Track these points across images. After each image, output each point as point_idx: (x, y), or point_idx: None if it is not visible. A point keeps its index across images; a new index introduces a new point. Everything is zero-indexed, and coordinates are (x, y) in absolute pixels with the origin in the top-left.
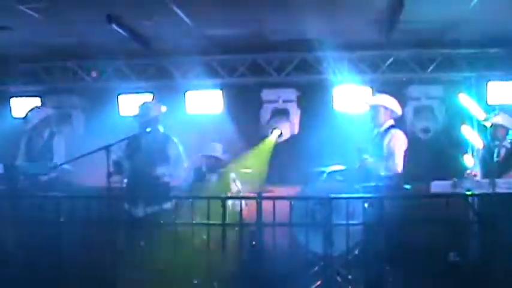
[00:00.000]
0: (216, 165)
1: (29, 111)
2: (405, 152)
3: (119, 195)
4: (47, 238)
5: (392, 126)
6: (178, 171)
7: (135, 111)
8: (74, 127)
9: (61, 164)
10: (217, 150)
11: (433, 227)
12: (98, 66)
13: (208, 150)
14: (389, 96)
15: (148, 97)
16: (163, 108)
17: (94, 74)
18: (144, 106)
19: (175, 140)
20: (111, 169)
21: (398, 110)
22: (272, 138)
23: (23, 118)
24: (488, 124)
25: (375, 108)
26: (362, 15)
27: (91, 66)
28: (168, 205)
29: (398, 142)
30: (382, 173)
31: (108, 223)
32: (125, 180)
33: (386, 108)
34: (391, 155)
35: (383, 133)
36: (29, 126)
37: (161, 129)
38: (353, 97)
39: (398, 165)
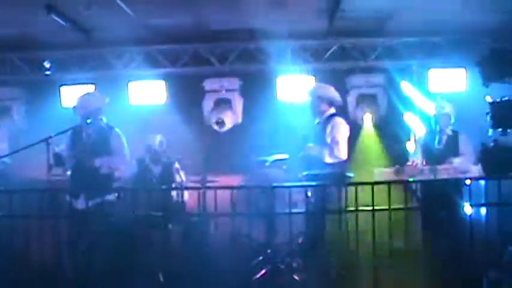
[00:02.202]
0: (157, 156)
1: None
2: (348, 140)
3: (59, 187)
4: None
5: (333, 115)
6: (117, 163)
7: (75, 102)
8: (14, 120)
9: (1, 157)
10: (154, 141)
11: (376, 214)
12: (39, 58)
13: (148, 141)
14: (328, 85)
15: (90, 88)
16: (106, 99)
17: (47, 65)
18: (83, 98)
19: (117, 131)
20: (51, 161)
21: (337, 99)
22: (217, 127)
23: None
24: (430, 112)
25: (313, 97)
26: (304, 5)
27: (32, 58)
28: (110, 197)
29: (340, 129)
30: (327, 161)
31: (49, 216)
32: (68, 173)
33: (324, 97)
34: (334, 142)
35: (324, 121)
36: None
37: (104, 120)
38: (296, 86)
39: (342, 152)
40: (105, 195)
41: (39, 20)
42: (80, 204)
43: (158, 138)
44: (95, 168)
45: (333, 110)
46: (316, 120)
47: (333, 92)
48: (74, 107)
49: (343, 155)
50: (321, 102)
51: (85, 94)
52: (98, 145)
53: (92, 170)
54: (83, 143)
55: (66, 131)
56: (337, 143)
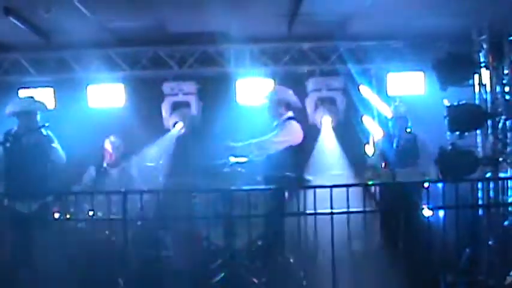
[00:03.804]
0: (113, 160)
1: None
2: (301, 144)
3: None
4: None
5: (290, 118)
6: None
7: (14, 106)
8: None
9: None
10: (108, 144)
11: (336, 217)
12: None
13: (105, 144)
14: (287, 89)
15: (49, 91)
16: (45, 104)
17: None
18: (24, 100)
19: (51, 135)
20: None
21: (294, 102)
22: (175, 131)
23: None
24: (389, 115)
25: (271, 100)
26: (264, 8)
27: None
28: (49, 199)
29: (289, 130)
30: (253, 156)
31: None
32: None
33: (282, 100)
34: (272, 136)
35: (280, 124)
36: None
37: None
38: (255, 90)
39: (271, 146)
40: (47, 197)
41: None
42: (22, 207)
43: (111, 139)
44: (33, 172)
45: (290, 113)
46: (275, 123)
47: (290, 95)
48: (13, 111)
49: (270, 150)
50: (278, 105)
51: (24, 97)
52: (36, 149)
53: (31, 174)
54: (21, 147)
55: (3, 135)
56: (276, 135)
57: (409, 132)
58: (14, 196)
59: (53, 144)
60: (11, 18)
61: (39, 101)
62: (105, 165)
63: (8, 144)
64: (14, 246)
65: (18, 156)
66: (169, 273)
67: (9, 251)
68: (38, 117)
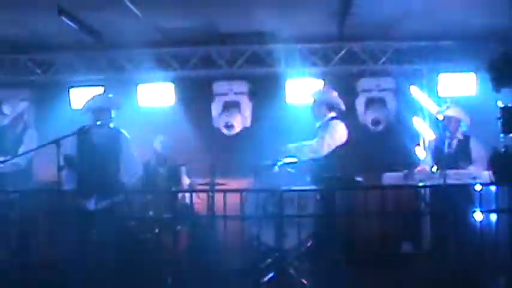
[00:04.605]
0: (162, 159)
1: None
2: (349, 144)
3: (70, 189)
4: None
5: (333, 118)
6: (132, 167)
7: (85, 103)
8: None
9: (11, 158)
10: (157, 143)
11: (385, 219)
12: (49, 59)
13: (153, 144)
14: (331, 90)
15: (99, 90)
16: (117, 102)
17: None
18: (97, 97)
19: (125, 133)
20: (61, 163)
21: (338, 104)
22: (226, 131)
23: None
24: (440, 116)
25: (315, 101)
26: (314, 8)
27: (42, 59)
28: (119, 198)
29: (333, 130)
30: (305, 157)
31: (58, 217)
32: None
33: (324, 101)
34: (320, 138)
35: (324, 125)
36: (6, 120)
37: (111, 123)
38: (305, 90)
39: (323, 149)
40: (114, 196)
41: (49, 21)
42: (90, 205)
43: (160, 139)
44: (105, 171)
45: (333, 114)
46: (317, 124)
47: (334, 97)
48: (85, 108)
49: (322, 152)
50: (321, 106)
51: (97, 94)
52: (109, 148)
53: (103, 172)
54: (93, 145)
55: (75, 132)
56: (322, 137)
57: (461, 134)
58: (83, 193)
59: (126, 142)
60: (64, 18)
61: (114, 98)
62: (153, 164)
63: (80, 141)
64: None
65: (88, 153)
66: (218, 272)
67: (66, 247)
68: (112, 114)
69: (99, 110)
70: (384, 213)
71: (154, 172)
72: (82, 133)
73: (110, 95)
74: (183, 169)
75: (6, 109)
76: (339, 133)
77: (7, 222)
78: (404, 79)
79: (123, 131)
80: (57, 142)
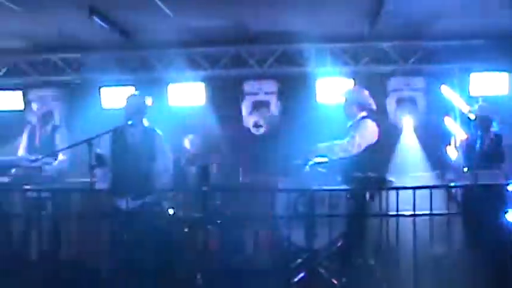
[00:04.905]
0: (192, 157)
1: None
2: (380, 144)
3: (103, 188)
4: (28, 232)
5: (364, 117)
6: (165, 166)
7: (123, 102)
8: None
9: (42, 157)
10: (187, 142)
11: (416, 219)
12: (80, 59)
13: (183, 143)
14: (362, 89)
15: (130, 89)
16: (149, 101)
17: None
18: (131, 97)
19: (160, 133)
20: (94, 162)
21: (368, 103)
22: (256, 130)
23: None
24: (472, 116)
25: (346, 100)
26: (345, 7)
27: (73, 58)
28: (151, 198)
29: (364, 129)
30: (336, 156)
31: (91, 217)
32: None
33: (355, 101)
34: (350, 137)
35: (355, 124)
36: (33, 118)
37: (145, 122)
38: (335, 89)
39: (354, 148)
40: (147, 196)
41: (80, 21)
42: (123, 204)
43: (190, 138)
44: (140, 170)
45: (364, 113)
46: (349, 123)
47: (365, 96)
48: (123, 107)
49: (353, 151)
50: (352, 106)
51: (132, 94)
52: (143, 147)
53: (137, 172)
54: (126, 144)
55: (109, 132)
56: (353, 137)
57: (493, 133)
58: (115, 193)
59: (160, 141)
60: (95, 18)
61: (145, 98)
62: (182, 162)
63: (114, 140)
64: (105, 243)
65: (121, 153)
66: (248, 272)
67: (98, 246)
68: (144, 114)
69: (132, 110)
70: (415, 214)
71: (184, 171)
72: (116, 132)
73: (142, 95)
74: (213, 168)
75: (34, 107)
76: (370, 132)
77: (39, 221)
78: (435, 78)
79: (157, 130)
80: (89, 141)
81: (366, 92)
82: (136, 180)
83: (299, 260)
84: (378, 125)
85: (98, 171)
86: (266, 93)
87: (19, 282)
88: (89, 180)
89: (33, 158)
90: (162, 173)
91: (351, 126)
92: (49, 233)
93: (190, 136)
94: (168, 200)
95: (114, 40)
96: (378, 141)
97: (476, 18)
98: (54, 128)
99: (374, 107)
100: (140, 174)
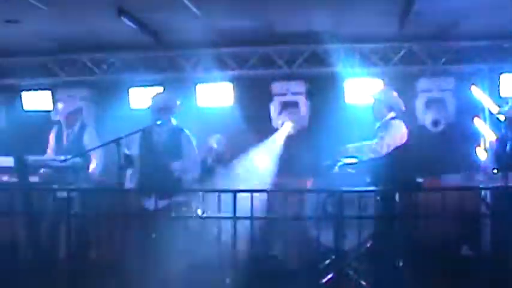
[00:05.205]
0: (218, 157)
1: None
2: (409, 145)
3: (130, 188)
4: (58, 231)
5: (393, 118)
6: (192, 165)
7: (149, 102)
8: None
9: (72, 157)
10: (214, 142)
11: (445, 221)
12: (108, 59)
13: (209, 142)
14: (391, 90)
15: (159, 90)
16: (177, 101)
17: None
18: (158, 96)
19: (188, 132)
20: (122, 162)
21: (397, 104)
22: (282, 131)
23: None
24: (501, 117)
25: (375, 101)
26: (374, 7)
27: (101, 59)
28: (179, 198)
29: (393, 130)
30: (366, 157)
31: (119, 216)
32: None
33: (384, 102)
34: (379, 138)
35: (383, 125)
36: (58, 118)
37: (174, 121)
38: (364, 90)
39: (383, 149)
40: (175, 196)
41: (108, 21)
42: (150, 204)
43: (216, 137)
44: (165, 169)
45: (393, 114)
46: (377, 124)
47: (394, 97)
48: (149, 106)
49: (382, 152)
50: (381, 106)
51: (159, 93)
52: (169, 146)
53: (163, 171)
54: (154, 144)
55: (136, 132)
56: (382, 138)
57: None
58: (143, 192)
59: (188, 141)
60: (123, 18)
61: (174, 98)
62: (209, 162)
63: (142, 140)
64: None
65: (150, 153)
66: (277, 272)
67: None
68: (173, 114)
69: (159, 110)
70: (444, 216)
71: (211, 170)
72: (144, 132)
73: (170, 95)
74: (243, 169)
75: (61, 107)
76: (399, 133)
77: (68, 221)
78: (465, 79)
79: (186, 130)
80: (117, 141)
81: (395, 93)
82: (162, 180)
83: (327, 261)
84: (407, 126)
85: (126, 171)
86: (294, 93)
87: (48, 281)
88: (117, 180)
89: (62, 158)
90: (186, 172)
91: (379, 127)
92: (78, 232)
93: (217, 135)
94: (197, 200)
95: (142, 40)
96: (406, 142)
97: (506, 18)
98: (82, 128)
99: (403, 107)
100: (167, 174)
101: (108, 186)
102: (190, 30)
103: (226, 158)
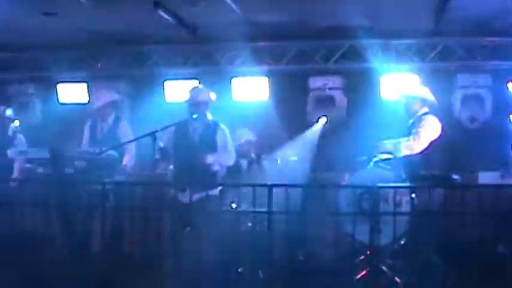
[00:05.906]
0: (249, 151)
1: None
2: (445, 142)
3: (165, 181)
4: (92, 223)
5: (426, 113)
6: (227, 159)
7: (186, 95)
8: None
9: (106, 150)
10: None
11: (481, 218)
12: (145, 52)
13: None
14: (421, 86)
15: (194, 83)
16: (213, 95)
17: None
18: (194, 90)
19: (223, 126)
20: (158, 156)
21: (430, 99)
22: (318, 126)
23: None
24: None
25: (407, 97)
26: (410, 2)
27: (138, 52)
28: (214, 192)
29: (427, 125)
30: (401, 154)
31: (154, 209)
32: (170, 167)
33: (417, 97)
34: (414, 134)
35: (417, 120)
36: (93, 110)
37: (209, 115)
38: (400, 85)
39: (419, 145)
40: (209, 190)
41: (145, 15)
42: (185, 197)
43: (242, 131)
44: (200, 163)
45: (426, 109)
46: (410, 121)
47: (425, 92)
48: (186, 100)
49: (418, 148)
50: (413, 102)
51: (196, 87)
52: (204, 140)
53: (198, 165)
54: (189, 138)
55: (172, 125)
56: (417, 133)
57: None
58: (178, 186)
59: (223, 135)
60: (160, 12)
61: (209, 92)
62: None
63: (177, 134)
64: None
65: (184, 146)
66: (311, 267)
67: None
68: (208, 107)
69: (195, 104)
70: (480, 213)
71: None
72: (179, 126)
73: (205, 88)
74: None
75: (96, 99)
76: (433, 128)
77: (102, 213)
78: (502, 76)
79: (221, 124)
80: (153, 134)
81: (426, 88)
82: (197, 173)
83: (362, 257)
84: (440, 120)
85: (161, 165)
86: (331, 88)
87: (81, 273)
88: (152, 173)
89: (96, 150)
90: (221, 166)
91: (413, 123)
92: (112, 225)
93: (243, 129)
94: (232, 194)
95: (178, 34)
96: (440, 136)
97: None
98: (116, 121)
99: (435, 102)
100: (202, 168)
101: (143, 179)
102: (226, 24)
103: (252, 151)
